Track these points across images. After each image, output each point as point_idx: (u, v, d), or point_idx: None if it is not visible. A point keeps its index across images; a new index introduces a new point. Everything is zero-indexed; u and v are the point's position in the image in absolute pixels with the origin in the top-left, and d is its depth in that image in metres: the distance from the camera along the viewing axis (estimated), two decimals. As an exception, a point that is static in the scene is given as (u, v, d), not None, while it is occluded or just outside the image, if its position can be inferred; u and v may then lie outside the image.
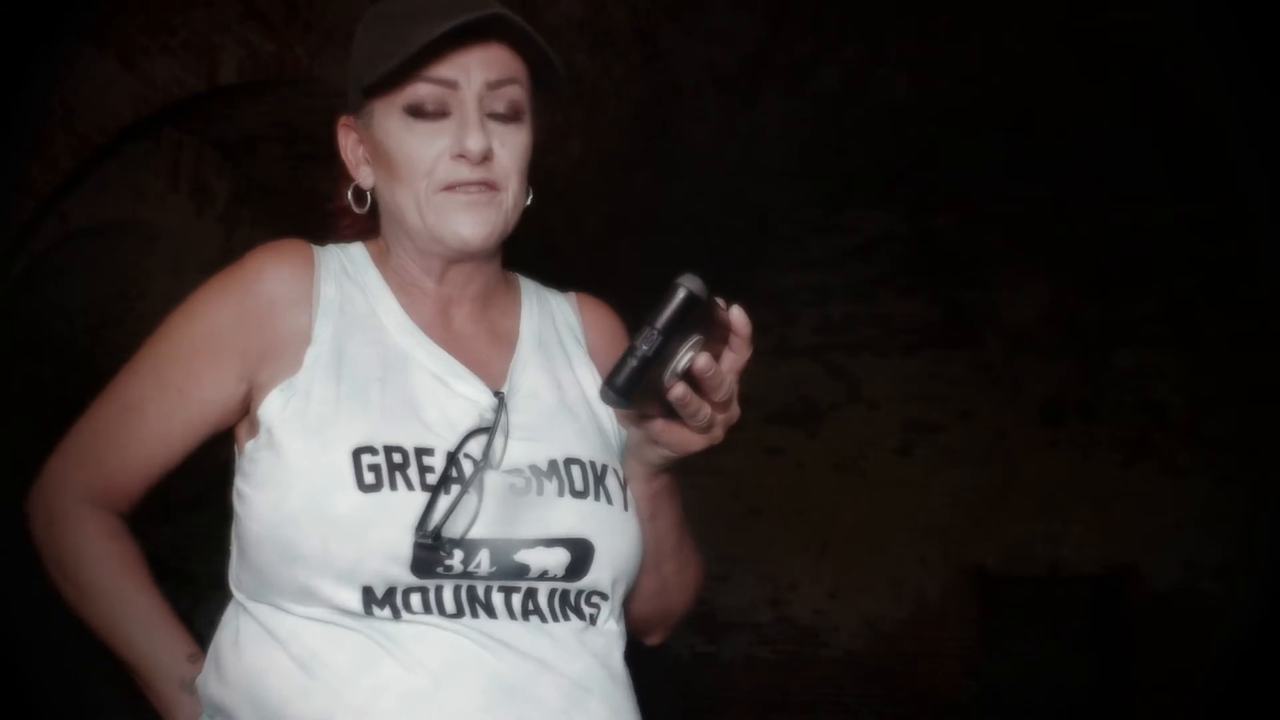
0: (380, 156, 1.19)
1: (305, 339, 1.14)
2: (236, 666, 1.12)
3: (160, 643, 1.19)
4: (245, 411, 1.17)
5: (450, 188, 1.15)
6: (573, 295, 1.35)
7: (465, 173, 1.15)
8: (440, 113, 1.15)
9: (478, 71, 1.16)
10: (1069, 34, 6.68)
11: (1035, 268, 8.40)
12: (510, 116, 1.17)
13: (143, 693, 1.21)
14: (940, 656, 8.28)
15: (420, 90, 1.15)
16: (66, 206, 4.18)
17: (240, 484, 1.14)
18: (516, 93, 1.18)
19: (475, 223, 1.16)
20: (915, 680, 8.28)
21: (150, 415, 1.18)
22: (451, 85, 1.15)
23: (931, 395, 8.54)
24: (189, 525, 5.46)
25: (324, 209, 1.29)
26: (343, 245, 1.24)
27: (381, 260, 1.23)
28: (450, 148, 1.15)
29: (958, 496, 8.36)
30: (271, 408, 1.12)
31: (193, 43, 4.04)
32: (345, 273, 1.20)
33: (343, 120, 1.23)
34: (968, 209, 8.48)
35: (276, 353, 1.14)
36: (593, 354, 1.28)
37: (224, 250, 4.88)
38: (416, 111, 1.15)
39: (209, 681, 1.15)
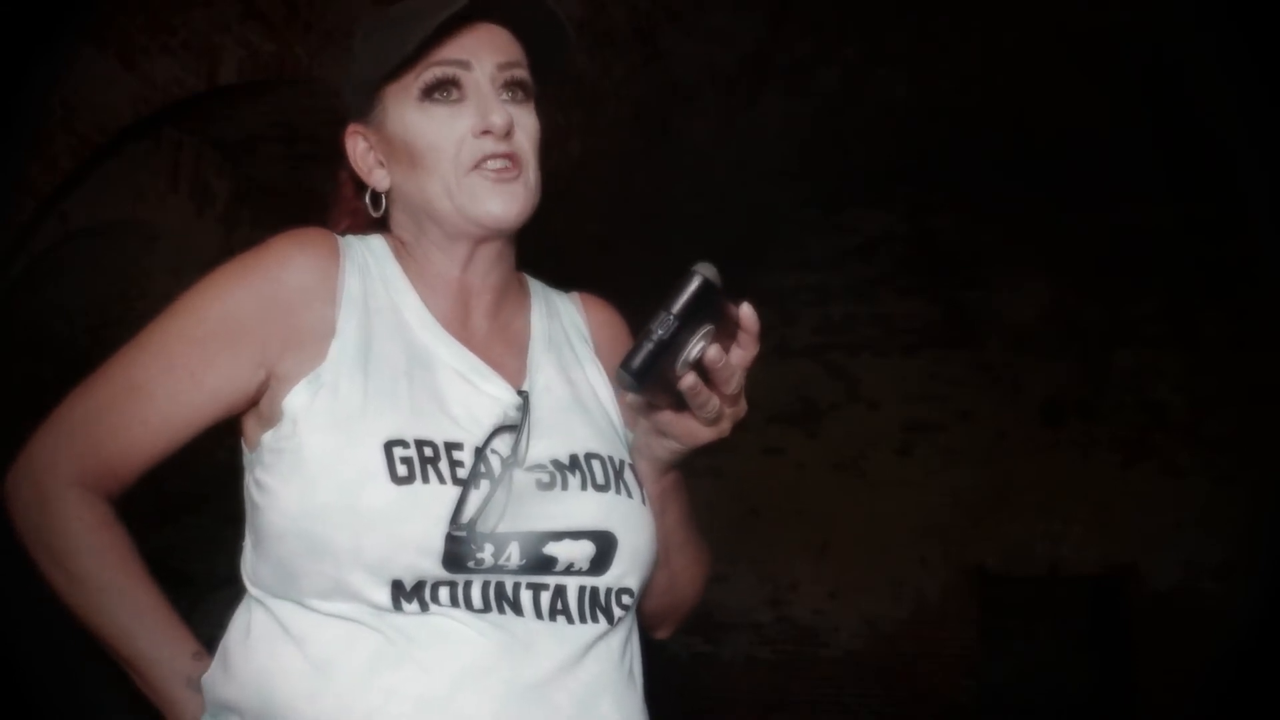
0: (397, 150, 1.19)
1: (329, 331, 1.13)
2: (246, 665, 1.11)
3: (163, 639, 1.17)
4: (255, 401, 1.16)
5: (478, 166, 1.16)
6: (576, 295, 1.36)
7: (491, 147, 1.16)
8: (456, 96, 1.17)
9: (487, 53, 1.18)
10: (1069, 34, 6.67)
11: (1035, 268, 8.39)
12: (521, 98, 1.20)
13: (140, 689, 1.19)
14: (940, 656, 8.28)
15: (435, 73, 1.17)
16: (66, 206, 4.18)
17: (261, 475, 1.12)
18: (523, 74, 1.20)
19: (507, 199, 1.17)
20: (915, 680, 8.28)
21: (157, 397, 1.15)
22: (465, 66, 1.17)
23: (931, 395, 8.54)
24: (189, 525, 5.46)
25: (323, 214, 1.28)
26: (362, 237, 1.23)
27: (401, 253, 1.23)
28: (473, 126, 1.16)
29: (958, 496, 8.36)
30: (298, 400, 1.11)
31: (193, 43, 4.04)
32: (367, 266, 1.20)
33: (351, 129, 1.23)
34: (968, 209, 8.48)
35: (299, 343, 1.13)
36: (599, 353, 1.30)
37: (224, 250, 4.88)
38: (432, 95, 1.17)
39: (216, 680, 1.14)
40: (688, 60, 6.33)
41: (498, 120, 1.16)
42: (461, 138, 1.16)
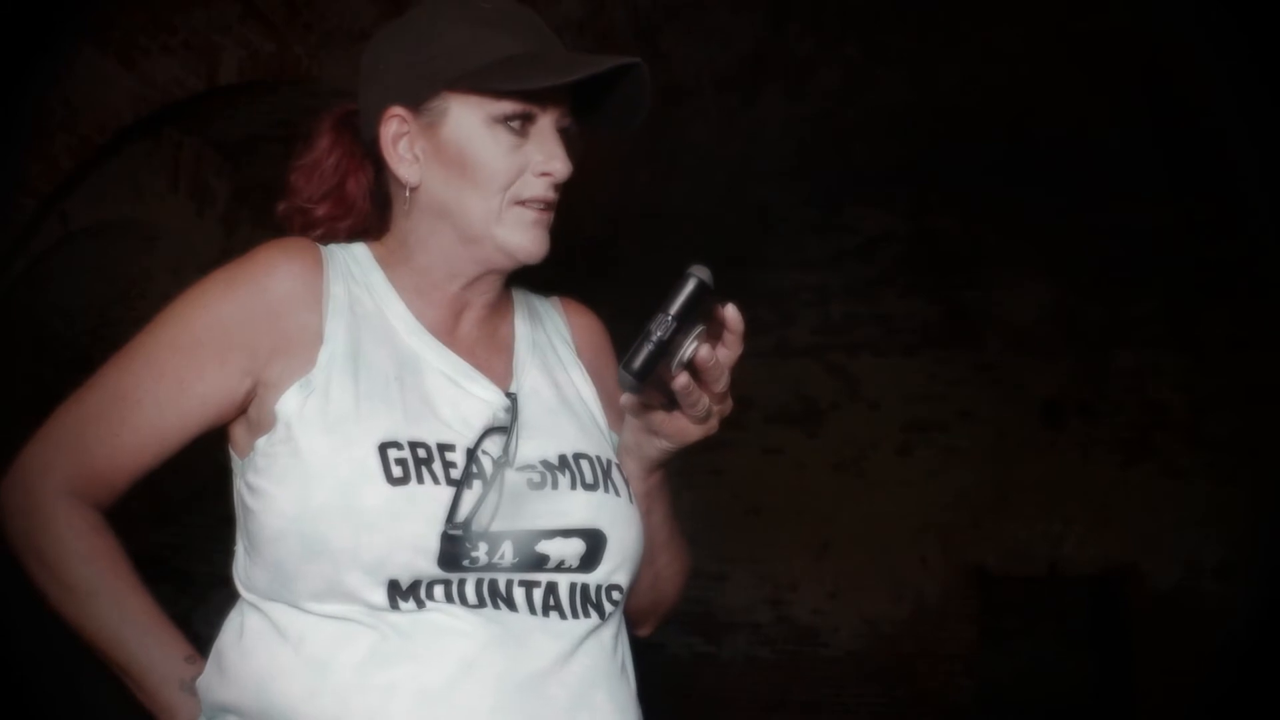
0: (448, 156, 1.18)
1: (317, 338, 1.15)
2: (242, 667, 1.12)
3: (156, 644, 1.17)
4: (243, 409, 1.17)
5: (524, 202, 1.18)
6: (557, 300, 1.38)
7: (543, 189, 1.18)
8: (524, 130, 1.18)
9: (559, 100, 1.19)
10: (1069, 34, 6.68)
11: (1035, 268, 8.39)
12: (567, 147, 1.21)
13: (135, 695, 1.19)
14: (940, 656, 8.28)
15: (518, 108, 1.17)
16: (66, 206, 4.19)
17: (254, 479, 1.13)
18: (569, 125, 1.22)
19: (539, 241, 1.19)
20: (915, 680, 8.28)
21: (145, 405, 1.16)
22: (542, 107, 1.18)
23: (931, 395, 8.53)
24: (189, 525, 5.46)
25: (296, 205, 1.26)
26: (345, 245, 1.24)
27: (386, 261, 1.23)
28: (536, 165, 1.17)
29: (958, 496, 8.36)
30: (290, 404, 1.12)
31: (193, 43, 4.04)
32: (351, 273, 1.21)
33: (391, 110, 1.19)
34: (968, 209, 8.47)
35: (288, 350, 1.14)
36: (581, 356, 1.32)
37: (224, 250, 4.89)
38: (506, 123, 1.17)
39: (212, 682, 1.14)
40: (688, 60, 6.34)
41: (561, 168, 1.18)
42: (520, 170, 1.17)
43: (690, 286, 1.03)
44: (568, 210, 1.24)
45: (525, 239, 1.18)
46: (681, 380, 1.07)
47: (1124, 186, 7.96)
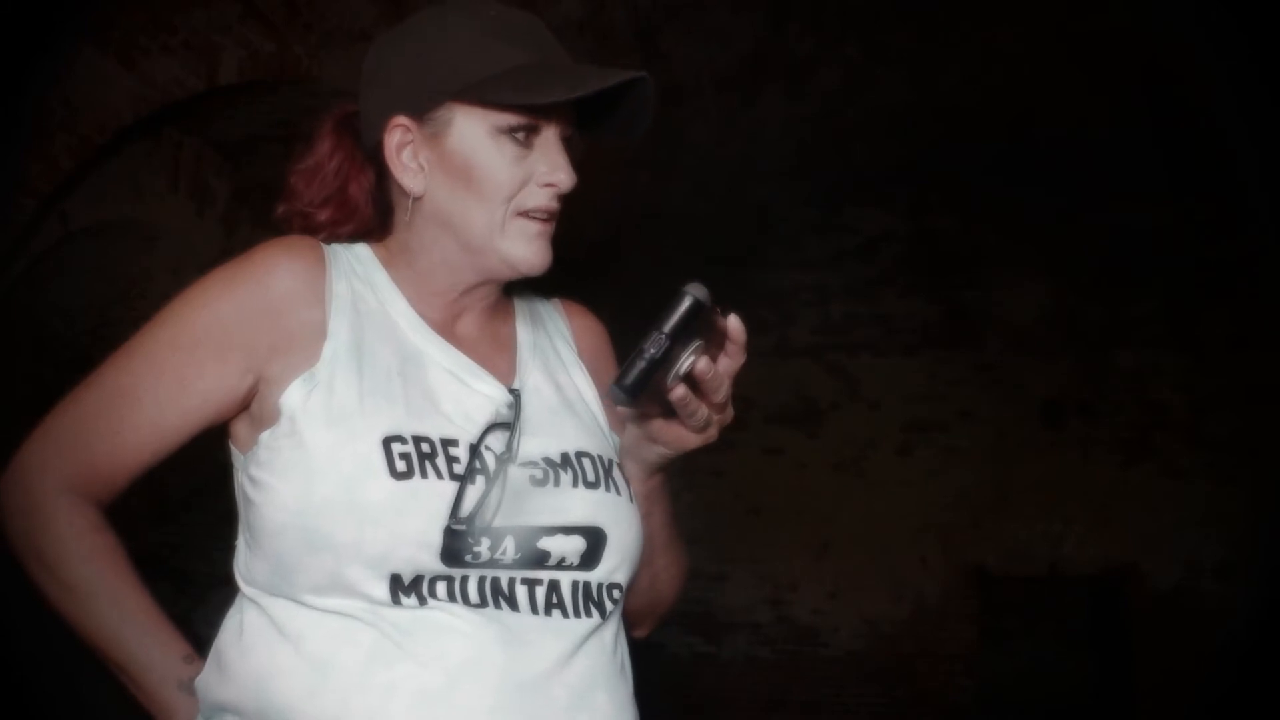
0: (453, 166, 1.18)
1: (320, 334, 1.15)
2: (242, 666, 1.12)
3: (156, 643, 1.17)
4: (245, 405, 1.17)
5: (527, 214, 1.18)
6: (558, 302, 1.39)
7: (546, 200, 1.19)
8: (528, 141, 1.18)
9: (563, 113, 1.20)
10: (1069, 34, 6.68)
11: (1035, 268, 8.39)
12: (570, 156, 1.21)
13: (133, 695, 1.19)
14: (940, 656, 8.28)
15: (522, 121, 1.17)
16: (67, 206, 4.19)
17: (256, 473, 1.13)
18: (572, 135, 1.22)
19: (542, 252, 1.20)
20: (915, 680, 8.28)
21: (145, 402, 1.16)
22: (546, 119, 1.18)
23: (931, 395, 8.54)
24: (188, 524, 5.46)
25: (297, 209, 1.26)
26: (347, 245, 1.24)
27: (389, 263, 1.24)
28: (540, 176, 1.18)
29: (958, 496, 8.36)
30: (293, 398, 1.12)
31: (193, 43, 4.04)
32: (354, 271, 1.21)
33: (395, 120, 1.19)
34: (968, 209, 8.47)
35: (290, 347, 1.14)
36: (581, 357, 1.33)
37: (224, 250, 4.89)
38: (511, 134, 1.17)
39: (210, 682, 1.14)
40: (688, 60, 6.34)
41: (565, 180, 1.18)
42: (524, 181, 1.18)
43: (686, 304, 1.05)
44: (568, 212, 1.24)
45: (528, 251, 1.19)
46: (678, 392, 1.09)
47: (1124, 186, 7.96)
